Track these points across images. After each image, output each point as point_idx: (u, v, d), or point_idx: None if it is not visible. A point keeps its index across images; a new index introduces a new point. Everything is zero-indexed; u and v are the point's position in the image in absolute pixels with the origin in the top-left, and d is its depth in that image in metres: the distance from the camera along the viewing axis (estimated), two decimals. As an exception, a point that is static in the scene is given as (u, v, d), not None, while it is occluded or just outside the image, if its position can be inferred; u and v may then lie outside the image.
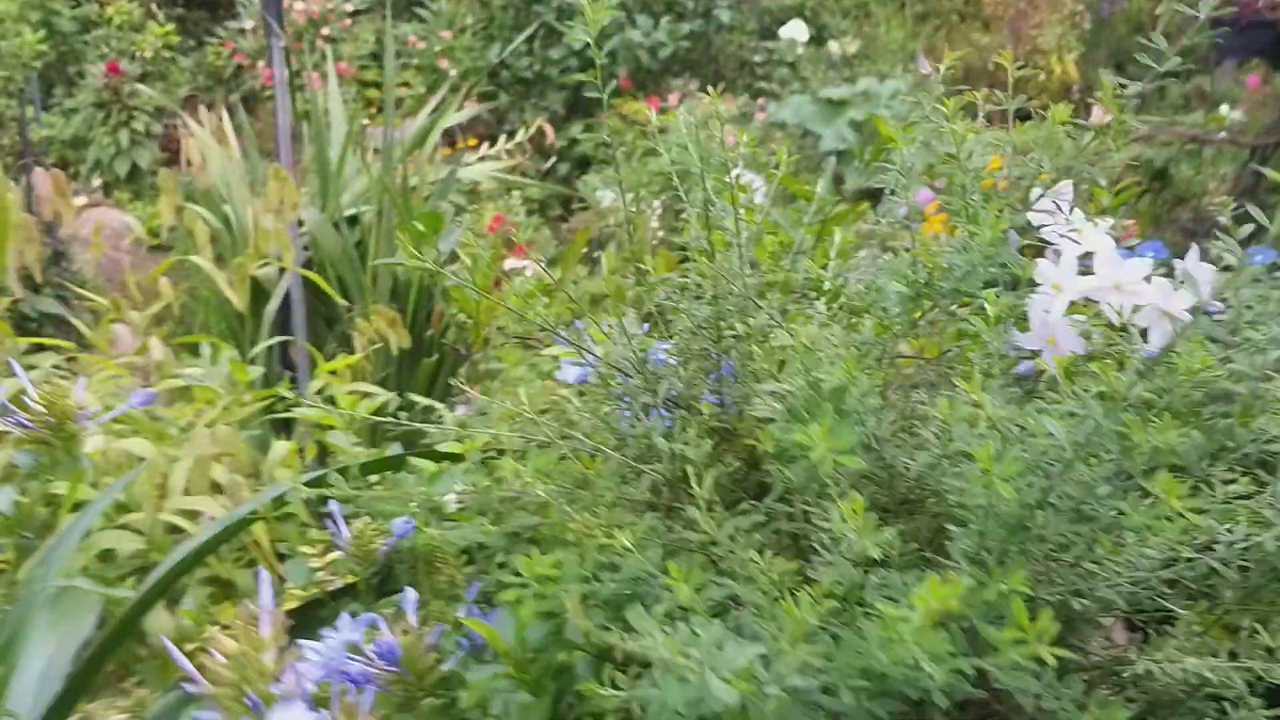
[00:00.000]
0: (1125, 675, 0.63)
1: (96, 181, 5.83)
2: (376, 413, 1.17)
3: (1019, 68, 0.85)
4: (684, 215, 0.95)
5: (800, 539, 0.64)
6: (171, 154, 6.11)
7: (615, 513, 0.60)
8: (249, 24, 6.82)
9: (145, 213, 5.56)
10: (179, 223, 1.84)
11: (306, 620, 1.16)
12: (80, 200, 5.62)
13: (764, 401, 0.67)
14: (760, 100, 7.45)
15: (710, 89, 0.97)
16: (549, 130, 3.46)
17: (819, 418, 0.52)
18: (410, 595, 0.73)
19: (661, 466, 0.65)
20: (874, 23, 7.11)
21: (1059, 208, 0.76)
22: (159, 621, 1.26)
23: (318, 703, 0.58)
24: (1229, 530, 0.56)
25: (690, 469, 0.58)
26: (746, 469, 0.79)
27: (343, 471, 1.19)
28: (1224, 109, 4.14)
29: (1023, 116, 0.85)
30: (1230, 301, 0.79)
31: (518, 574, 0.54)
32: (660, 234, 5.86)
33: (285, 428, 1.91)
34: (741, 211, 0.91)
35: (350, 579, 1.13)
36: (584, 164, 7.02)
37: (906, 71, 6.38)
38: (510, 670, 0.54)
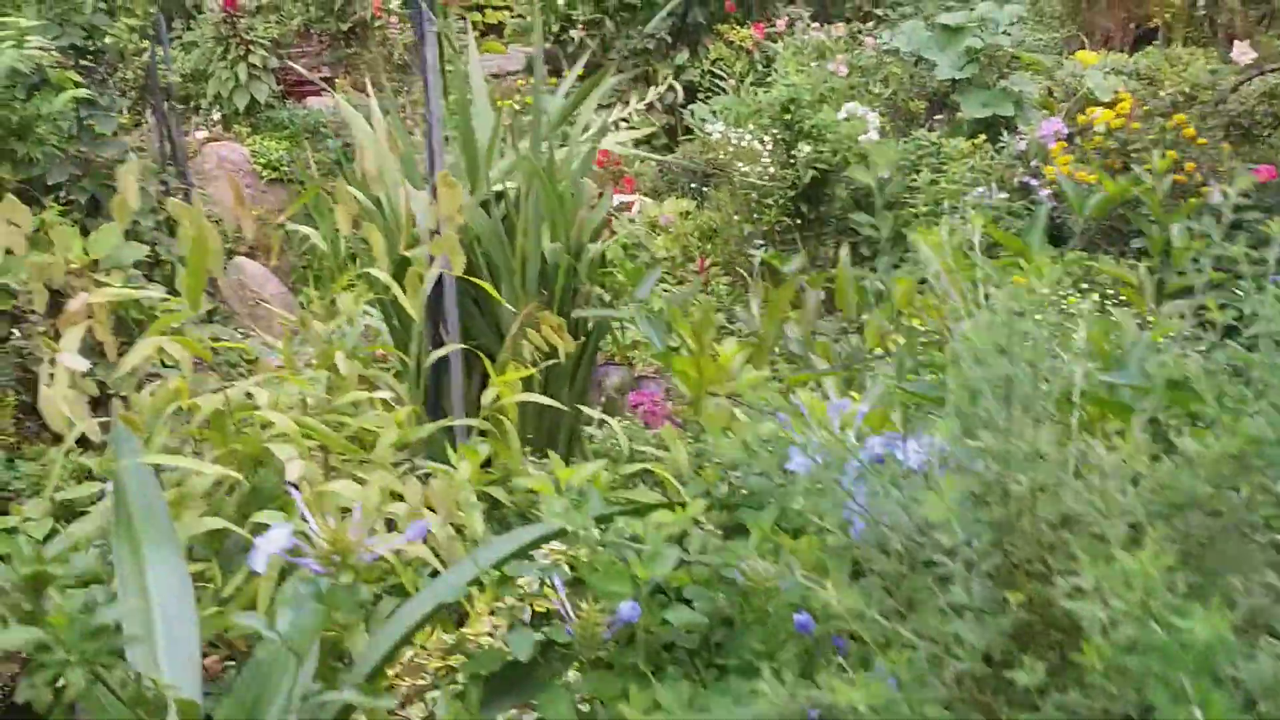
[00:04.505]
0: None
1: (216, 115, 5.92)
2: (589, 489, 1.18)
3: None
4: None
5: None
6: (287, 87, 6.16)
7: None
8: (357, -50, 6.79)
9: (263, 147, 5.64)
10: (354, 232, 1.87)
11: (521, 679, 1.20)
12: (200, 134, 5.73)
13: (1069, 588, 0.66)
14: (870, 24, 7.19)
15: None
16: (679, 89, 3.41)
17: (1194, 687, 0.50)
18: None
19: (966, 661, 0.65)
20: (994, -59, 6.78)
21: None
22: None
23: None
24: None
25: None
26: (1030, 618, 0.78)
27: (553, 537, 1.20)
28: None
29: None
30: None
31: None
32: (771, 170, 5.74)
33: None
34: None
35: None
36: (690, 93, 6.89)
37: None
38: None
